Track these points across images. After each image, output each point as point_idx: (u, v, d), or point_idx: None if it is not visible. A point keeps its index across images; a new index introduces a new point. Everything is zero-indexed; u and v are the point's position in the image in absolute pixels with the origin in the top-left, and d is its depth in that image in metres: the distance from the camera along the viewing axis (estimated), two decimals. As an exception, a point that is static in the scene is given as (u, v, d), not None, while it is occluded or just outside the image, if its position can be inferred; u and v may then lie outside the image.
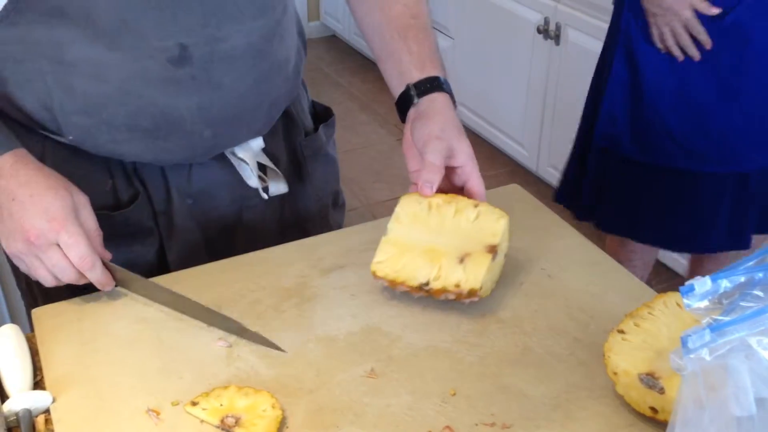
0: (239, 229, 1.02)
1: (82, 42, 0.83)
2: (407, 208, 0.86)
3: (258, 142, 0.99)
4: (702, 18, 1.45)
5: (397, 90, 0.95)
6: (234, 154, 0.98)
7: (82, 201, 0.83)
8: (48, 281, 0.82)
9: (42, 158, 0.87)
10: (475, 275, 0.80)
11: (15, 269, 1.00)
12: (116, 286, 0.85)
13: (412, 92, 0.93)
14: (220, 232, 1.00)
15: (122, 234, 0.94)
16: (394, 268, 0.82)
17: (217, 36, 0.87)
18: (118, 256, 0.91)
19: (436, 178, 0.85)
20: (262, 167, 1.00)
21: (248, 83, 0.93)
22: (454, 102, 0.94)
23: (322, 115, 1.14)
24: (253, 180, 0.99)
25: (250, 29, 0.90)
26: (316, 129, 1.11)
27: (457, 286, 0.80)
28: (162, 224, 0.97)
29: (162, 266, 0.98)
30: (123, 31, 0.83)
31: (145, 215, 0.96)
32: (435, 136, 0.87)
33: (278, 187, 1.02)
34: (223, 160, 0.98)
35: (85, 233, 0.81)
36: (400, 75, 0.95)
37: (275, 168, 1.01)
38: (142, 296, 0.85)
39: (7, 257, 0.85)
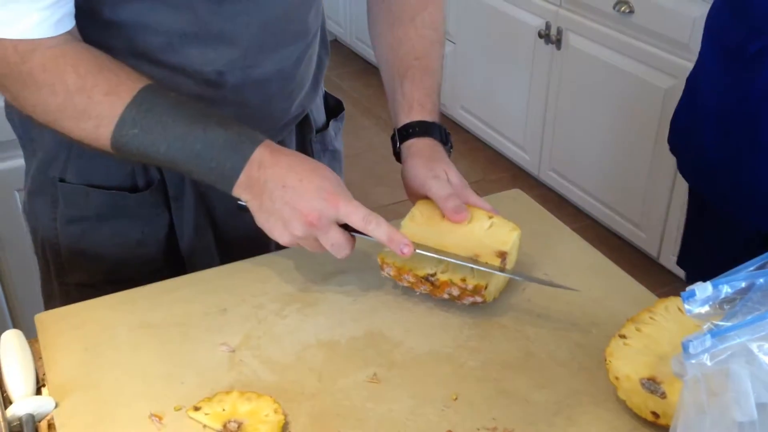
0: (248, 218, 1.04)
1: (126, 55, 0.85)
2: (424, 210, 0.88)
3: None
4: None
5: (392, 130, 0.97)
6: None
7: (338, 177, 0.83)
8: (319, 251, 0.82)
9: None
10: (482, 273, 0.81)
11: (43, 261, 1.02)
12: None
13: (396, 137, 0.95)
14: (229, 220, 1.02)
15: (135, 215, 0.97)
16: (403, 257, 0.82)
17: (252, 64, 0.91)
18: (130, 235, 0.96)
19: (458, 201, 0.86)
20: None
21: (274, 102, 0.97)
22: (445, 142, 0.94)
23: (333, 108, 1.16)
24: None
25: (282, 56, 0.94)
26: (327, 121, 1.13)
27: (463, 280, 0.81)
28: (174, 209, 0.99)
29: (172, 249, 1.01)
30: (168, 52, 0.87)
31: (159, 200, 0.98)
32: (430, 176, 0.89)
33: None
34: None
35: None
36: (393, 116, 0.98)
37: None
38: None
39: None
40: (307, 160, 0.83)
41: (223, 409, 0.71)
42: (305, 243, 0.81)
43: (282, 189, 0.78)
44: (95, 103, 0.79)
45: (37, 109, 0.81)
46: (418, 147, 0.93)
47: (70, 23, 0.80)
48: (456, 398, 0.73)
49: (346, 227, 0.80)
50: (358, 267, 0.91)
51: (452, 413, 0.72)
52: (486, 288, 0.80)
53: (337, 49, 4.08)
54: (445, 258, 0.81)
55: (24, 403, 0.72)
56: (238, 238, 1.01)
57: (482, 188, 2.78)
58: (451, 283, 0.81)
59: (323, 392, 0.74)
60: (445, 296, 0.83)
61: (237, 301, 0.86)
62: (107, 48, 0.83)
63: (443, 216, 0.87)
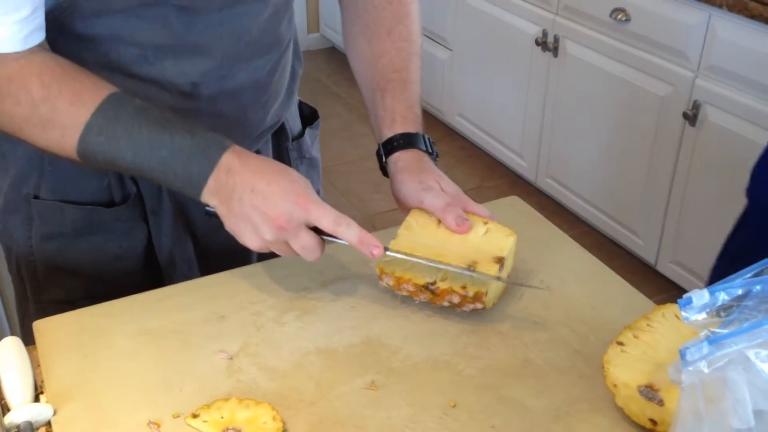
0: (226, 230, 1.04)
1: (99, 68, 0.85)
2: (419, 218, 0.88)
3: None
4: None
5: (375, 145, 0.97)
6: None
7: (307, 180, 0.83)
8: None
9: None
10: (482, 280, 0.81)
11: (17, 279, 1.02)
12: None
13: (381, 152, 0.95)
14: (208, 231, 1.02)
15: (112, 230, 0.97)
16: (402, 266, 0.83)
17: (227, 75, 0.91)
18: (108, 250, 0.95)
19: (461, 212, 0.86)
20: None
21: (249, 112, 0.97)
22: (430, 152, 0.94)
23: (308, 116, 1.16)
24: None
25: (256, 67, 0.94)
26: (303, 128, 1.13)
27: (464, 287, 0.81)
28: (152, 223, 0.99)
29: (150, 262, 1.01)
30: (142, 64, 0.87)
31: (136, 213, 0.98)
32: (422, 189, 0.88)
33: None
34: None
35: None
36: (376, 131, 0.98)
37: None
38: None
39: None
40: (275, 163, 0.82)
41: (222, 417, 0.71)
42: (275, 247, 0.81)
43: (251, 193, 0.78)
44: (60, 113, 0.79)
45: (3, 118, 0.81)
46: (404, 161, 0.92)
47: (39, 37, 0.80)
48: (454, 405, 0.73)
49: (316, 230, 0.81)
50: (357, 274, 0.91)
51: (451, 421, 0.72)
52: (486, 294, 0.81)
53: (334, 57, 4.09)
54: (442, 266, 0.82)
55: (22, 411, 0.72)
56: (218, 250, 1.01)
57: (480, 195, 2.78)
58: (452, 291, 0.81)
59: (322, 399, 0.74)
60: (445, 304, 0.83)
61: (235, 308, 0.86)
62: (80, 61, 0.84)
63: (439, 223, 0.87)
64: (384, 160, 0.95)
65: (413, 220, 0.88)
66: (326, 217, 0.79)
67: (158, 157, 0.79)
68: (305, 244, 0.79)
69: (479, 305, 0.81)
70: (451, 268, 0.81)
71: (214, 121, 0.92)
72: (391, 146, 0.94)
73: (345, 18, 1.05)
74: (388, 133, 0.95)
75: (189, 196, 0.81)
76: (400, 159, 0.93)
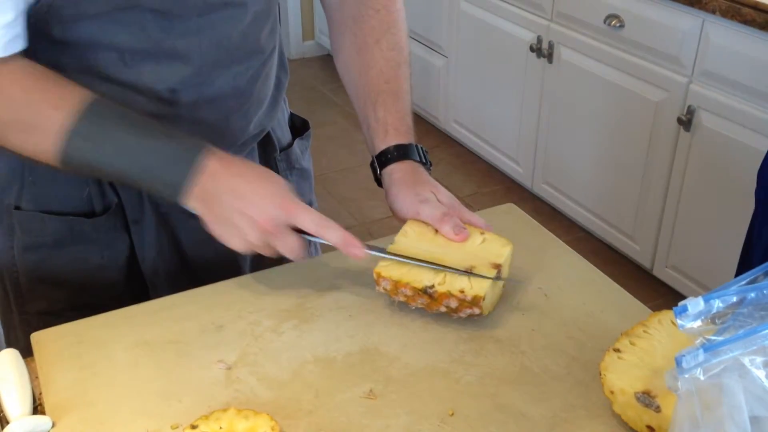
0: (212, 239, 1.03)
1: (78, 72, 0.85)
2: (416, 226, 0.89)
3: None
4: None
5: (369, 156, 0.97)
6: None
7: (288, 183, 0.83)
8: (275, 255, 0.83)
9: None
10: (480, 284, 0.81)
11: (1, 290, 1.02)
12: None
13: (375, 164, 0.96)
14: (195, 241, 1.01)
15: (93, 240, 0.97)
16: (400, 271, 0.83)
17: (206, 81, 0.91)
18: (90, 260, 0.95)
19: (458, 221, 0.87)
20: None
21: (231, 120, 0.96)
22: (424, 161, 0.95)
23: (299, 127, 1.16)
24: None
25: (236, 74, 0.94)
26: (294, 139, 1.13)
27: (462, 291, 0.81)
28: (134, 233, 0.99)
29: (134, 272, 1.00)
30: (120, 69, 0.87)
31: (118, 224, 0.97)
32: (418, 201, 0.89)
33: None
34: None
35: None
36: (369, 143, 0.98)
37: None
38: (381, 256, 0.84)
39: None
40: (257, 167, 0.83)
41: (220, 427, 0.71)
42: (260, 249, 0.82)
43: (234, 197, 0.79)
44: (43, 118, 0.79)
45: None
46: (399, 173, 0.93)
47: (20, 45, 0.80)
48: (452, 414, 0.74)
49: (300, 230, 0.82)
50: (354, 283, 0.91)
51: (449, 429, 0.72)
52: (484, 299, 0.81)
53: (329, 64, 4.10)
54: (440, 268, 0.82)
55: (21, 423, 0.72)
56: (207, 260, 1.00)
57: (476, 201, 2.79)
58: (450, 295, 0.81)
59: (320, 409, 0.74)
60: (443, 309, 0.83)
61: (233, 318, 0.86)
62: (59, 66, 0.84)
63: (436, 232, 0.87)
64: (378, 172, 0.95)
65: (410, 228, 0.89)
66: (309, 219, 0.80)
67: (141, 163, 0.80)
68: (289, 245, 0.81)
69: (476, 310, 0.82)
70: (449, 270, 0.82)
71: (195, 129, 0.92)
72: (385, 158, 0.94)
73: (332, 28, 1.05)
74: (381, 146, 0.95)
75: (172, 201, 0.82)
76: (395, 171, 0.93)
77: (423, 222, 0.89)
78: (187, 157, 0.80)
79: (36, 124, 0.80)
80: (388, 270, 0.84)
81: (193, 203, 0.81)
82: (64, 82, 0.81)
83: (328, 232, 0.81)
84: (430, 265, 0.83)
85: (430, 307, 0.83)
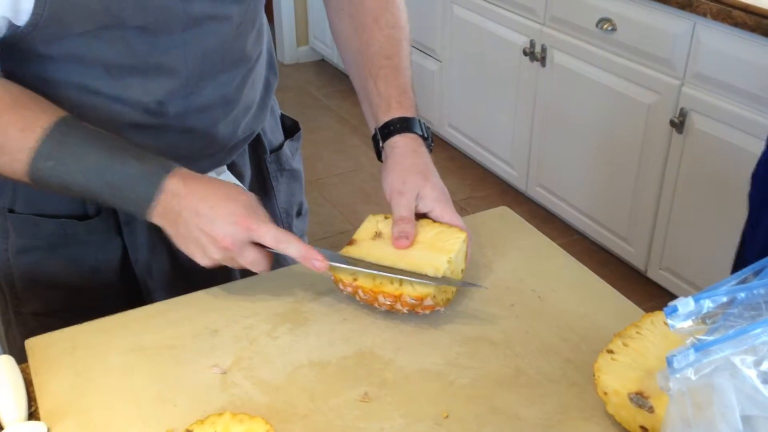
0: None
1: (65, 86, 0.86)
2: (369, 228, 0.90)
3: (222, 168, 1.03)
4: None
5: (371, 133, 0.97)
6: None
7: (253, 198, 0.85)
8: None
9: None
10: (423, 286, 0.82)
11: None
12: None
13: (378, 136, 0.95)
14: None
15: (87, 242, 0.97)
16: (354, 276, 0.85)
17: (193, 92, 0.92)
18: (84, 262, 0.96)
19: (408, 228, 0.88)
20: None
21: (219, 127, 0.97)
22: (425, 136, 0.95)
23: (290, 128, 1.16)
24: None
25: (222, 83, 0.95)
26: (285, 140, 1.13)
27: (407, 295, 0.82)
28: (126, 234, 0.99)
29: (128, 274, 1.01)
30: (106, 83, 0.87)
31: (110, 226, 0.98)
32: (397, 191, 0.90)
33: None
34: None
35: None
36: (371, 117, 0.98)
37: (241, 184, 1.03)
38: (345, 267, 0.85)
39: None
40: (221, 185, 0.85)
41: None
42: (226, 263, 0.84)
43: (196, 217, 0.81)
44: (10, 140, 0.81)
45: None
46: (399, 148, 0.93)
47: None
48: (447, 416, 0.74)
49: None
50: (348, 287, 0.91)
51: (443, 431, 0.72)
52: (434, 297, 0.82)
53: (324, 69, 4.10)
54: (378, 273, 0.83)
55: (16, 429, 0.72)
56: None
57: (470, 205, 2.79)
58: (398, 298, 0.82)
59: (315, 412, 0.74)
60: (404, 310, 0.84)
61: (228, 322, 0.86)
62: (45, 79, 0.85)
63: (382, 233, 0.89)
64: (381, 144, 0.95)
65: (369, 224, 0.90)
66: (268, 236, 0.82)
67: (107, 182, 0.81)
68: (251, 260, 0.83)
69: (433, 308, 0.83)
70: (395, 275, 0.83)
71: (183, 136, 0.93)
72: (387, 130, 0.94)
73: (330, 11, 1.05)
74: (384, 118, 0.95)
75: (140, 218, 0.84)
76: (397, 144, 0.93)
77: (375, 220, 0.90)
78: (152, 178, 0.82)
79: (3, 146, 0.81)
80: (340, 273, 0.85)
81: (158, 221, 0.83)
82: (33, 104, 0.82)
83: (287, 246, 0.83)
84: (377, 272, 0.84)
85: (393, 308, 0.84)
